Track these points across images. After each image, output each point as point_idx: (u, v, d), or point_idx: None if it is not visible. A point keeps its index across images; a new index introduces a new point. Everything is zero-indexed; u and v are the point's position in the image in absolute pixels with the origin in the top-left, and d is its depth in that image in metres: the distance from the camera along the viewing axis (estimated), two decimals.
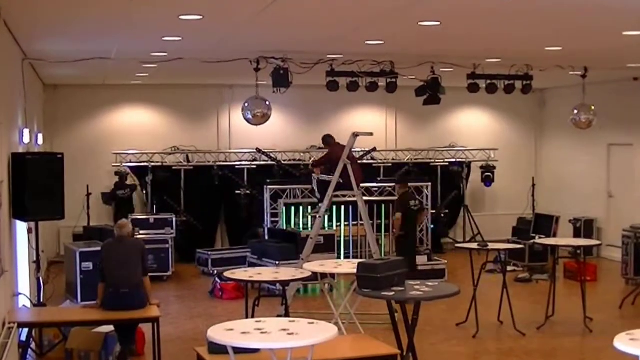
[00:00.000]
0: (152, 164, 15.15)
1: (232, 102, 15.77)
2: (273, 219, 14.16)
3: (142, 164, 15.20)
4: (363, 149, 15.36)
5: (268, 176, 14.96)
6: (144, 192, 15.17)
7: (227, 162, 15.78)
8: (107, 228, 12.88)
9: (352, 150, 10.43)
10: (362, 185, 13.99)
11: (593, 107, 12.62)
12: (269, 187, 14.13)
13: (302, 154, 16.07)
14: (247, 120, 11.27)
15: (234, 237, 15.67)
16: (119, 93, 15.51)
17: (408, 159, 16.68)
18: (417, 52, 10.25)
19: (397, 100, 15.67)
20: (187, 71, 12.67)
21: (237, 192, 15.28)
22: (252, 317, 7.84)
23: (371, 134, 10.93)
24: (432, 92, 12.01)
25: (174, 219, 13.74)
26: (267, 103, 11.07)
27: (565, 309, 10.61)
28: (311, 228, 11.57)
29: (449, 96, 12.51)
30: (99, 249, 10.72)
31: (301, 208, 13.90)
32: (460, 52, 10.37)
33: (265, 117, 11.16)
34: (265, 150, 15.12)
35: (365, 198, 13.93)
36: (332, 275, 10.56)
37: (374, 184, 14.72)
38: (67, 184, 8.90)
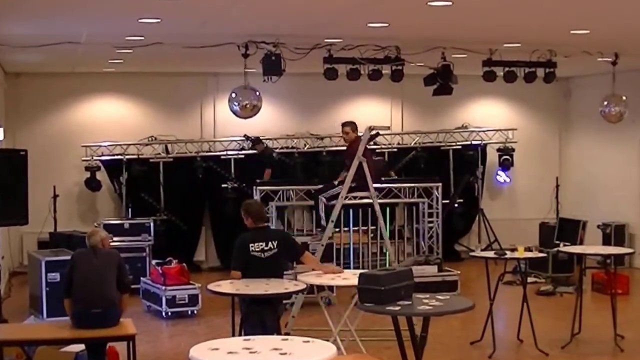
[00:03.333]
0: (127, 156, 15.14)
1: (217, 92, 15.76)
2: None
3: (116, 157, 15.18)
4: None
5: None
6: (118, 192, 15.16)
7: (211, 152, 15.75)
8: (76, 234, 12.87)
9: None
10: None
11: (624, 98, 12.63)
12: (259, 188, 14.10)
13: (295, 141, 16.03)
14: (235, 113, 11.26)
15: (221, 239, 15.64)
16: (90, 82, 15.48)
17: (415, 143, 16.63)
18: (426, 35, 10.25)
19: (404, 90, 15.66)
20: (166, 57, 12.66)
21: (223, 185, 15.28)
22: (240, 334, 7.82)
23: (388, 128, 10.93)
24: (442, 81, 12.02)
25: (152, 224, 13.72)
26: (257, 93, 11.06)
27: (593, 325, 10.61)
28: (306, 233, 11.59)
29: (461, 85, 12.51)
30: (67, 257, 10.73)
31: (295, 212, 13.89)
32: (474, 36, 10.37)
33: (254, 109, 11.16)
34: (255, 137, 15.09)
35: (368, 200, 14.01)
36: (331, 288, 10.56)
37: (376, 184, 14.69)
38: (31, 184, 8.91)
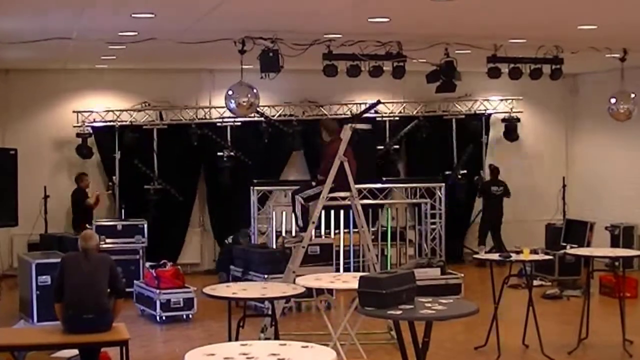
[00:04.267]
0: (120, 123, 15.15)
1: (213, 89, 15.77)
2: (261, 225, 14.15)
3: (109, 123, 15.17)
4: (365, 102, 15.39)
5: (255, 135, 14.95)
6: (107, 163, 15.15)
7: (206, 119, 15.69)
8: (67, 236, 12.86)
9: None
10: (364, 186, 14.17)
11: (633, 95, 12.62)
12: (257, 188, 14.12)
13: (294, 107, 15.97)
14: (231, 111, 11.26)
15: (216, 209, 15.69)
16: (81, 79, 15.46)
17: (417, 112, 16.54)
18: (428, 31, 10.26)
19: (405, 87, 15.66)
20: (160, 53, 12.66)
21: (218, 154, 15.28)
22: (236, 339, 7.82)
23: (370, 127, 10.89)
24: (446, 78, 12.02)
25: (145, 225, 13.70)
26: (255, 91, 11.06)
27: (601, 330, 10.61)
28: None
29: (465, 83, 12.50)
30: (58, 260, 10.73)
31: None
32: (478, 31, 10.37)
33: (251, 107, 11.17)
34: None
35: (368, 202, 14.03)
36: (330, 291, 10.56)
37: (378, 185, 14.71)
38: (20, 184, 8.90)
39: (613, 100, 12.70)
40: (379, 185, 14.66)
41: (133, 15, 8.86)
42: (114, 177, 15.09)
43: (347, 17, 9.26)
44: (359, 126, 10.27)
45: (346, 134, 9.92)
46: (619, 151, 16.34)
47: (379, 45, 11.05)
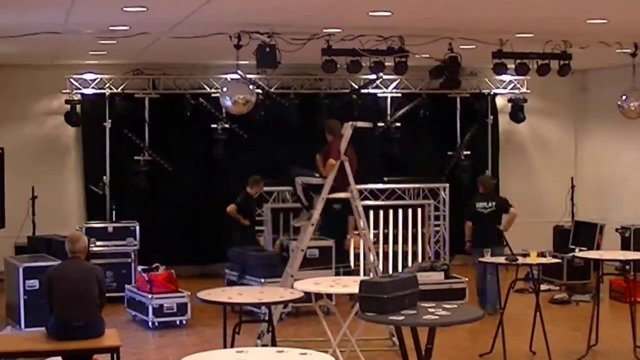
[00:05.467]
0: (111, 91, 15.12)
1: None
2: (258, 228, 14.14)
3: (99, 91, 15.15)
4: (366, 77, 15.37)
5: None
6: (101, 186, 15.12)
7: (201, 89, 15.58)
8: (55, 238, 12.85)
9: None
10: (365, 187, 14.18)
11: None
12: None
13: (293, 79, 15.91)
14: (226, 108, 11.27)
15: (208, 184, 15.65)
16: (71, 74, 15.42)
17: (420, 89, 16.37)
18: (431, 25, 10.25)
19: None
20: (153, 49, 12.65)
21: (213, 126, 15.28)
22: (232, 346, 7.82)
23: (371, 126, 10.89)
24: (450, 74, 12.02)
25: (137, 227, 13.68)
26: (251, 87, 11.05)
27: (611, 336, 10.62)
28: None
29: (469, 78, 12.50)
30: (46, 263, 10.73)
31: (291, 214, 13.88)
32: (484, 25, 10.37)
33: (248, 104, 11.16)
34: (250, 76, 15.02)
35: (369, 203, 14.04)
36: (329, 296, 10.56)
37: (380, 185, 14.72)
38: (7, 184, 8.89)
39: (624, 97, 12.70)
40: (380, 186, 14.67)
41: (124, 9, 8.85)
42: (104, 177, 15.09)
43: (347, 11, 9.26)
44: (360, 124, 10.27)
45: (347, 132, 9.97)
46: (630, 150, 16.34)
47: (380, 39, 11.05)
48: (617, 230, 15.42)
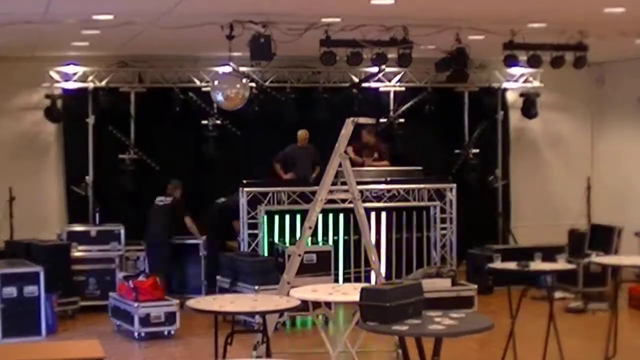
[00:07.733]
0: (94, 84, 15.12)
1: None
2: (251, 231, 14.14)
3: (82, 84, 15.14)
4: (368, 70, 15.39)
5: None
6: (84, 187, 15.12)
7: (190, 83, 15.58)
8: (35, 243, 12.86)
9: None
10: (366, 188, 14.17)
11: None
12: (246, 189, 14.10)
13: (290, 72, 15.90)
14: (218, 103, 11.29)
15: (199, 183, 15.60)
16: (52, 67, 15.43)
17: (425, 83, 16.36)
18: (438, 14, 10.27)
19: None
20: (139, 39, 12.66)
21: (203, 122, 15.28)
22: (224, 358, 7.83)
23: (374, 121, 10.90)
24: (457, 67, 12.04)
25: (122, 231, 13.69)
26: (244, 80, 11.06)
27: (630, 346, 10.63)
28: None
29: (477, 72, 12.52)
30: (25, 270, 10.74)
31: (287, 216, 13.90)
32: (494, 15, 10.39)
33: (241, 99, 11.18)
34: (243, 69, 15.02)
35: (371, 204, 14.05)
36: (328, 304, 10.57)
37: (382, 186, 14.73)
38: None
39: None
40: (382, 187, 14.67)
41: None
42: (87, 177, 15.10)
43: None
44: (362, 120, 10.29)
45: (347, 128, 9.98)
46: None
47: (382, 29, 11.06)
48: (636, 234, 15.44)
